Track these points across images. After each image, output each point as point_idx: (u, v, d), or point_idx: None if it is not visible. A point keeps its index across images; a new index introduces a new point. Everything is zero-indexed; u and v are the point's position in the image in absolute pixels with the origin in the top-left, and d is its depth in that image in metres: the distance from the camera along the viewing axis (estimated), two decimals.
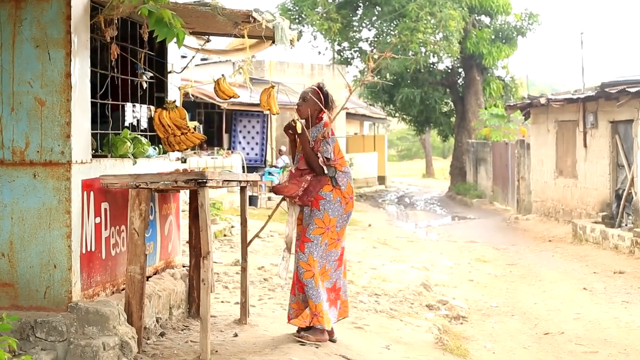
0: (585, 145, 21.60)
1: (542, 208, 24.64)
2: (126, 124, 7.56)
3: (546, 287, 13.55)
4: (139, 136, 7.52)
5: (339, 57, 40.74)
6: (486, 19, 39.08)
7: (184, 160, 8.88)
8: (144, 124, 7.92)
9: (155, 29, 5.97)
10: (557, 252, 18.31)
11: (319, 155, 7.22)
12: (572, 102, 21.99)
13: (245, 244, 8.07)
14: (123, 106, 7.55)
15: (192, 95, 9.59)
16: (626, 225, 18.73)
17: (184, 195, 9.98)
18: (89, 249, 6.41)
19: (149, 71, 7.90)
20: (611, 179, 20.25)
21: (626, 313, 11.34)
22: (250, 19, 7.23)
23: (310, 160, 7.24)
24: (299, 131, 7.22)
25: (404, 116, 42.54)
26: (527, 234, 22.30)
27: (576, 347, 9.54)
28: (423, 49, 35.95)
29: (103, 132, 7.16)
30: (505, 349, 9.52)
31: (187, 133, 7.90)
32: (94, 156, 6.60)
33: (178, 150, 8.14)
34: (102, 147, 7.13)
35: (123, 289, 6.78)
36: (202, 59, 25.71)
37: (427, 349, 8.58)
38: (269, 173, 24.10)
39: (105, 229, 6.73)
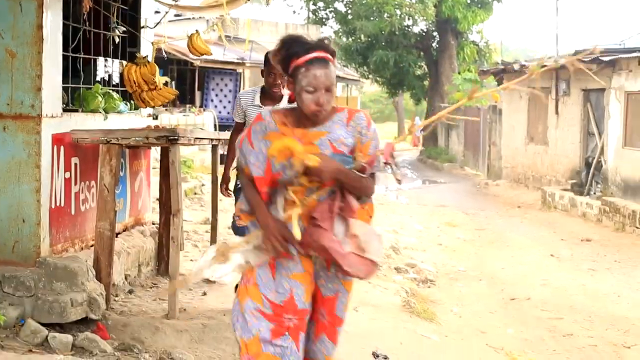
0: (557, 113, 21.69)
1: (512, 174, 24.77)
2: (98, 78, 7.48)
3: (514, 253, 13.65)
4: (111, 91, 7.45)
5: (314, 16, 40.51)
6: None
7: (155, 117, 8.81)
8: (116, 79, 7.84)
9: None
10: (525, 219, 18.44)
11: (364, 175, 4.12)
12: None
13: (215, 202, 8.04)
14: (95, 60, 7.47)
15: (165, 52, 9.50)
16: (595, 193, 18.88)
17: (154, 152, 9.92)
18: (58, 204, 6.36)
19: (121, 25, 7.81)
20: (581, 147, 20.38)
21: (592, 280, 11.46)
22: None
23: (366, 186, 4.17)
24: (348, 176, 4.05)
25: (378, 78, 42.47)
26: (497, 200, 22.43)
27: (542, 312, 9.63)
28: (398, 12, 35.84)
29: (74, 86, 7.08)
30: (472, 313, 9.59)
31: (154, 89, 7.82)
32: (64, 110, 6.53)
33: (151, 107, 8.07)
34: (73, 101, 7.04)
35: (92, 246, 6.74)
36: (176, 15, 25.43)
37: (394, 311, 8.63)
38: None
39: (75, 184, 6.68)
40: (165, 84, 8.13)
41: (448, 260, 12.75)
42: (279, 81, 6.79)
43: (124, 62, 7.94)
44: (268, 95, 6.86)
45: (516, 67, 23.41)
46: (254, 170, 4.06)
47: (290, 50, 4.01)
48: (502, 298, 10.37)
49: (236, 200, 7.04)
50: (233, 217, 6.85)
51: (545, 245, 14.50)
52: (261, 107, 6.69)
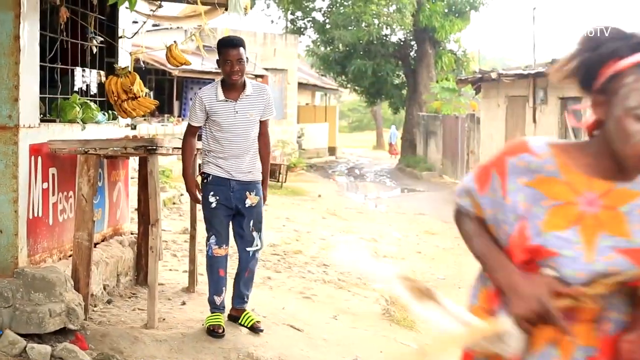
0: (534, 121, 21.80)
1: None
2: (75, 88, 7.46)
3: None
4: (89, 101, 7.43)
5: (292, 26, 40.57)
6: None
7: (133, 127, 8.79)
8: (94, 89, 7.82)
9: None
10: None
11: None
12: (523, 78, 22.17)
13: (194, 211, 8.02)
14: (72, 70, 7.45)
15: (143, 62, 9.49)
16: None
17: (133, 162, 9.90)
18: (36, 215, 6.33)
19: (99, 35, 7.80)
20: None
21: None
22: None
23: None
24: None
25: (356, 87, 42.57)
26: None
27: None
28: (376, 21, 35.93)
29: (52, 96, 7.05)
30: None
31: (134, 98, 7.81)
32: (42, 121, 6.51)
33: (132, 117, 8.05)
34: (51, 111, 7.02)
35: (70, 256, 6.71)
36: (154, 25, 25.42)
37: (374, 319, 8.64)
38: None
39: (53, 194, 6.65)
40: (145, 94, 8.12)
41: (427, 269, 12.78)
42: (237, 67, 6.48)
43: (102, 72, 7.93)
44: (230, 87, 6.60)
45: (494, 75, 23.55)
46: (501, 227, 2.60)
47: (603, 47, 2.40)
48: None
49: (204, 210, 6.99)
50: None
51: None
52: (227, 101, 6.55)
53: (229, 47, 6.54)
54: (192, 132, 6.78)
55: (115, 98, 7.76)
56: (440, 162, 32.74)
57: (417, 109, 38.07)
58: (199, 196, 6.76)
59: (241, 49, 6.55)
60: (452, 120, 31.33)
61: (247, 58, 6.61)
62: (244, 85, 6.62)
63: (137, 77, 7.89)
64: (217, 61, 6.66)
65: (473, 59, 39.90)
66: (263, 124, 6.79)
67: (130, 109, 7.81)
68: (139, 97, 7.86)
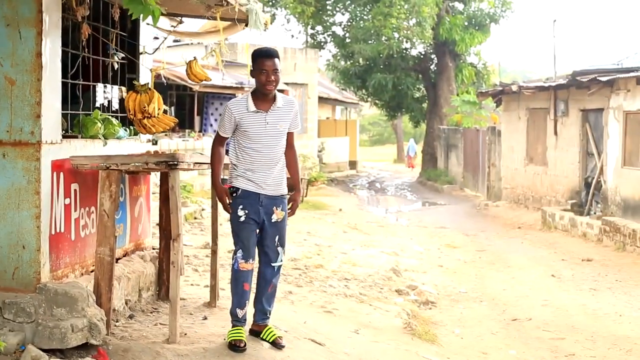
0: (555, 133, 21.72)
1: (512, 195, 24.77)
2: (97, 104, 7.50)
3: (515, 274, 13.64)
4: (110, 117, 7.47)
5: (312, 40, 40.64)
6: (459, 5, 39.16)
7: (154, 142, 8.81)
8: (115, 105, 7.86)
9: (130, 7, 5.88)
10: (526, 239, 18.43)
11: None
12: (544, 90, 22.09)
13: (215, 226, 8.03)
14: (94, 87, 7.49)
15: (164, 78, 9.53)
16: (595, 213, 18.88)
17: (154, 178, 9.93)
18: (58, 230, 6.36)
19: (120, 52, 7.84)
20: (581, 167, 20.39)
21: (593, 300, 11.44)
22: (224, 1, 7.16)
23: None
24: None
25: (376, 101, 42.57)
26: (497, 221, 22.41)
27: (544, 333, 9.62)
28: (396, 35, 35.96)
29: (74, 112, 7.09)
30: (474, 334, 9.58)
31: (150, 117, 7.82)
32: (64, 137, 6.54)
33: (152, 133, 8.07)
34: (73, 127, 7.06)
35: (92, 271, 6.74)
36: (174, 41, 25.55)
37: (395, 333, 8.61)
38: None
39: (75, 210, 6.68)
40: (165, 112, 8.14)
41: (449, 282, 12.74)
42: (272, 77, 6.44)
43: (123, 89, 7.96)
44: (261, 97, 6.55)
45: (514, 88, 23.49)
46: None
47: None
48: (503, 319, 10.36)
49: (232, 224, 6.94)
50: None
51: (546, 265, 14.49)
52: (258, 112, 6.50)
53: (264, 57, 6.51)
54: (220, 142, 6.73)
55: (132, 116, 7.79)
56: (462, 175, 32.66)
57: (437, 122, 38.04)
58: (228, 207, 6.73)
59: (276, 59, 6.52)
60: (473, 133, 31.26)
61: (280, 70, 6.60)
62: (274, 97, 6.62)
63: (156, 94, 7.89)
64: (251, 71, 6.62)
65: (493, 72, 39.85)
66: (289, 136, 6.80)
67: (149, 125, 7.83)
68: (154, 116, 7.86)
